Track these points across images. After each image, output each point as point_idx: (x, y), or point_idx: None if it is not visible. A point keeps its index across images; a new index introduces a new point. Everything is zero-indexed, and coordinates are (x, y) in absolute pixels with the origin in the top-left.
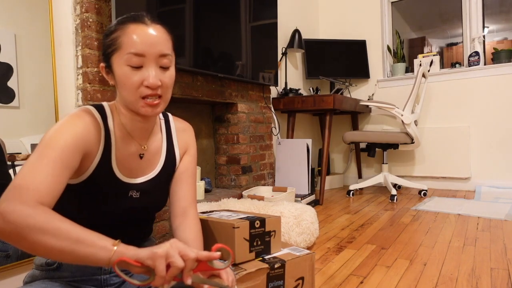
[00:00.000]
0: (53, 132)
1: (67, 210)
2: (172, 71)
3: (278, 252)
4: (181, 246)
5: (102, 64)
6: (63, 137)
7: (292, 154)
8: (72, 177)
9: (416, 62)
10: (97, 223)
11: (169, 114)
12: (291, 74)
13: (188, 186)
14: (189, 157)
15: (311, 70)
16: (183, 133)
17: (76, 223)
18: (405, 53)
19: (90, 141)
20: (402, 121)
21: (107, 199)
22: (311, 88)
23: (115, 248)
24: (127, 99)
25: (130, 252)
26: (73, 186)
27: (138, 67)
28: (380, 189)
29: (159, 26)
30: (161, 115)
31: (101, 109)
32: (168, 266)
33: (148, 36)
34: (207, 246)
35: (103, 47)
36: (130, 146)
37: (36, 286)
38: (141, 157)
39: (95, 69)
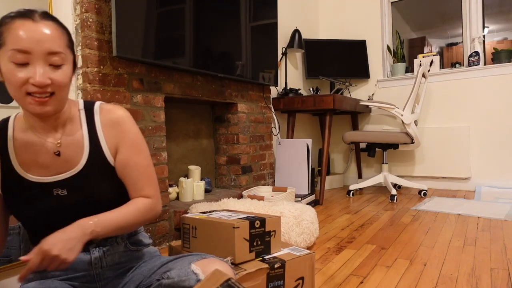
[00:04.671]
0: None
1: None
2: (65, 69)
3: (278, 252)
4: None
5: None
6: None
7: (292, 154)
8: None
9: (416, 62)
10: (38, 228)
11: (96, 104)
12: (291, 74)
13: (133, 181)
14: (124, 151)
15: (311, 70)
16: (112, 124)
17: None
18: (405, 53)
19: None
20: (402, 121)
21: (30, 202)
22: (311, 88)
23: None
24: (14, 97)
25: None
26: None
27: (24, 64)
28: (380, 189)
29: (50, 23)
30: (81, 105)
31: (4, 120)
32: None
33: (35, 33)
34: (207, 246)
35: None
36: (38, 147)
37: (34, 286)
38: (58, 155)
39: (95, 69)
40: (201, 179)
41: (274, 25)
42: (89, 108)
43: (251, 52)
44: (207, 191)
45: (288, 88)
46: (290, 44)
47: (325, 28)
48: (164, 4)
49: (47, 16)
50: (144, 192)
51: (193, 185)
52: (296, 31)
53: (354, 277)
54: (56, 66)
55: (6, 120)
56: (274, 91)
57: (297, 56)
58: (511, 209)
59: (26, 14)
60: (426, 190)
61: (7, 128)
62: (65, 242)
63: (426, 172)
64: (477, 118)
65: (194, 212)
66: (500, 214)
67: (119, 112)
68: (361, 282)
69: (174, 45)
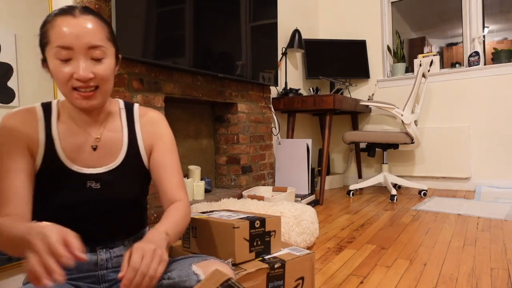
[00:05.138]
0: None
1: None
2: (107, 62)
3: (278, 252)
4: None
5: (40, 57)
6: (3, 147)
7: (292, 154)
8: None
9: (416, 62)
10: (63, 218)
11: (136, 104)
12: (291, 74)
13: (168, 180)
14: (161, 149)
15: (311, 70)
16: (150, 125)
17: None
18: (405, 53)
19: (24, 136)
20: (402, 121)
21: (64, 191)
22: (311, 88)
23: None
24: (62, 92)
25: None
26: None
27: (67, 60)
28: (380, 189)
29: (89, 17)
30: (122, 104)
31: (46, 105)
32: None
33: (74, 28)
34: (207, 246)
35: (39, 41)
36: (79, 137)
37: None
38: (94, 149)
39: None
40: (201, 179)
41: (274, 25)
42: (129, 108)
43: (251, 52)
44: (207, 191)
45: (288, 88)
46: (290, 44)
47: (325, 28)
48: (164, 4)
49: (86, 10)
50: (178, 194)
51: (193, 185)
52: (296, 31)
53: (354, 277)
54: (98, 60)
55: (49, 104)
56: (274, 91)
57: (297, 56)
58: (511, 209)
59: (67, 11)
60: (426, 190)
61: (51, 112)
62: (154, 253)
63: (426, 172)
64: (477, 118)
65: (194, 212)
66: (500, 214)
67: (156, 114)
68: (361, 282)
69: (174, 45)
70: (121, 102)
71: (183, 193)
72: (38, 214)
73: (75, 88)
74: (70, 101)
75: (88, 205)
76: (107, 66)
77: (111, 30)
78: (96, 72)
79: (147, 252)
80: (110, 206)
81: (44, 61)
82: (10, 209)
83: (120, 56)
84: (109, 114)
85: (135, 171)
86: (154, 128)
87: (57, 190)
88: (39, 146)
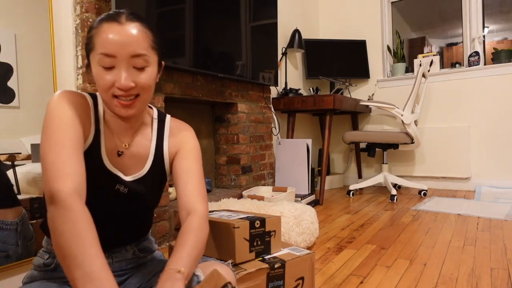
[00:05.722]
0: (51, 118)
1: None
2: (149, 71)
3: (278, 252)
4: None
5: (85, 61)
6: (63, 120)
7: (292, 154)
8: None
9: (416, 62)
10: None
11: (168, 115)
12: (291, 74)
13: (185, 186)
14: (182, 154)
15: (311, 70)
16: (178, 132)
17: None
18: (405, 53)
19: (81, 117)
20: (402, 121)
21: (97, 188)
22: (311, 88)
23: None
24: (102, 98)
25: None
26: None
27: (111, 68)
28: (380, 189)
29: (136, 24)
30: (156, 114)
31: (94, 98)
32: None
33: (119, 36)
34: (207, 246)
35: (85, 45)
36: (112, 139)
37: (34, 286)
38: (119, 155)
39: None
40: None
41: (274, 25)
42: (161, 119)
43: (251, 52)
44: (207, 191)
45: (288, 88)
46: (290, 44)
47: (325, 28)
48: (164, 4)
49: (133, 17)
50: (194, 202)
51: None
52: (296, 31)
53: (354, 277)
54: (140, 69)
55: (96, 98)
56: (274, 91)
57: (297, 56)
58: (511, 209)
59: (113, 17)
60: (426, 190)
61: (98, 106)
62: None
63: (426, 172)
64: (477, 118)
65: None
66: (500, 214)
67: (185, 126)
68: (361, 282)
69: (174, 45)
70: (155, 112)
71: (200, 201)
72: None
73: (115, 96)
74: (109, 108)
75: (113, 207)
76: (149, 75)
77: (155, 38)
78: (138, 81)
79: None
80: (130, 213)
81: (88, 66)
82: (68, 182)
83: (163, 63)
84: (142, 123)
85: (158, 181)
86: (180, 137)
87: (91, 187)
88: (90, 135)
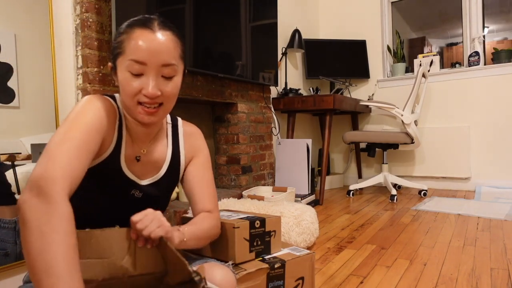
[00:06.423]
0: (75, 113)
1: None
2: (176, 81)
3: (278, 252)
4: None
5: (110, 64)
6: (86, 118)
7: (292, 154)
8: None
9: (416, 62)
10: (97, 218)
11: (179, 119)
12: (291, 74)
13: (200, 191)
14: (198, 163)
15: (311, 70)
16: (190, 137)
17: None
18: (405, 53)
19: (107, 126)
20: (402, 121)
21: (113, 194)
22: (311, 88)
23: None
24: (125, 104)
25: None
26: None
27: (139, 74)
28: (380, 189)
29: (168, 33)
30: (169, 119)
31: (114, 101)
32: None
33: (152, 44)
34: (207, 246)
35: (111, 48)
36: (132, 147)
37: None
38: (137, 160)
39: (95, 69)
40: None
41: (274, 25)
42: (174, 124)
43: (251, 52)
44: None
45: (288, 88)
46: (290, 44)
47: (325, 28)
48: (164, 4)
49: (165, 25)
50: (208, 206)
51: None
52: (296, 31)
53: (354, 277)
54: (168, 78)
55: (115, 100)
56: (274, 91)
57: (297, 56)
58: (511, 209)
59: (146, 23)
60: (426, 190)
61: (119, 111)
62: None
63: (426, 172)
64: (477, 118)
65: None
66: (500, 214)
67: (195, 129)
68: (361, 282)
69: None
70: (168, 116)
71: (213, 205)
72: (75, 204)
73: (140, 103)
74: (131, 114)
75: (126, 211)
76: (175, 84)
77: (183, 47)
78: (164, 90)
79: (149, 215)
80: None
81: (114, 69)
82: (64, 185)
83: (186, 71)
84: (160, 129)
85: (171, 185)
86: (194, 142)
87: (108, 192)
88: (112, 142)
